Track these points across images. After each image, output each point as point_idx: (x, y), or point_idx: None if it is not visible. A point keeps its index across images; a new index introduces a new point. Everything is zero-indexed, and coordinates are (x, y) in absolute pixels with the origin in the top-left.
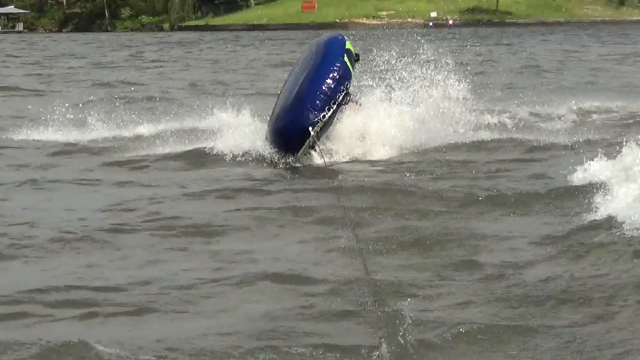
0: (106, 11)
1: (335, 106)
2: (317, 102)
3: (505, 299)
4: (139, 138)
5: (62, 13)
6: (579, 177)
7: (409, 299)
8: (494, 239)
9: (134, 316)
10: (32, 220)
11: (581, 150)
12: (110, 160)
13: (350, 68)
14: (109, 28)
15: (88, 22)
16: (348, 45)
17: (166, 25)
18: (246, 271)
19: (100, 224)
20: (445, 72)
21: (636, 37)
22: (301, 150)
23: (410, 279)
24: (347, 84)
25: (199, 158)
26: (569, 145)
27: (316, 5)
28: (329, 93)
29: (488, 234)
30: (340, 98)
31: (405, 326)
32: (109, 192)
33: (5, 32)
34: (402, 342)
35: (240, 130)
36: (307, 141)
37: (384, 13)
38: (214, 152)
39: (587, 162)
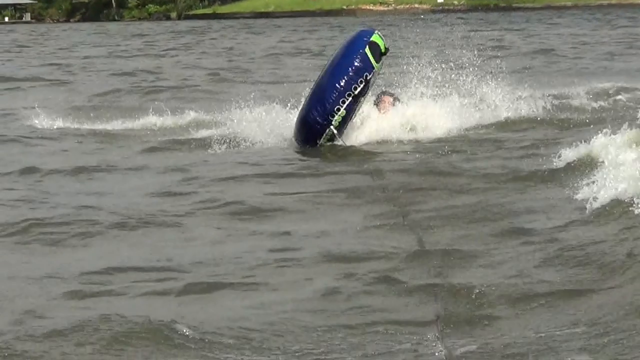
0: (113, 0)
1: (350, 98)
2: (333, 95)
3: (557, 264)
4: (171, 125)
5: (70, 3)
6: (605, 151)
7: (466, 270)
8: (536, 210)
9: (206, 295)
10: (90, 205)
11: (607, 128)
12: (149, 147)
13: (372, 60)
14: (116, 17)
15: (95, 12)
16: (375, 38)
17: (173, 14)
18: (308, 250)
19: (157, 208)
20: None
21: None
22: (320, 142)
23: (465, 251)
24: (366, 76)
25: (234, 143)
26: (595, 123)
27: None
28: (344, 85)
29: (531, 207)
30: (358, 90)
31: (465, 296)
32: (157, 178)
33: (13, 23)
34: (464, 312)
35: (270, 117)
36: (325, 134)
37: None
38: (247, 138)
39: (612, 137)
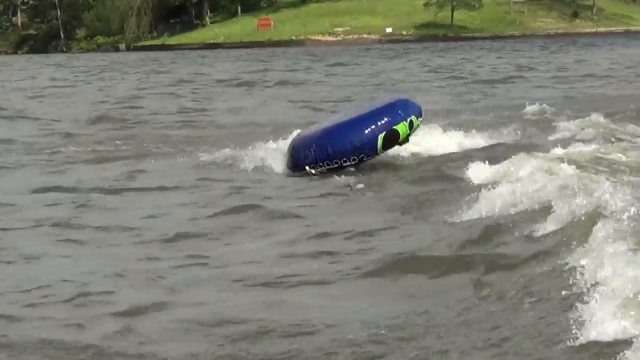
0: (61, 32)
1: (337, 165)
2: (321, 154)
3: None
4: (180, 151)
5: (18, 35)
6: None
7: (508, 244)
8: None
9: (296, 295)
10: (148, 218)
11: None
12: (182, 166)
13: (379, 146)
14: (64, 49)
15: (43, 44)
16: (400, 127)
17: (122, 45)
18: (379, 258)
19: (216, 221)
20: None
21: (595, 49)
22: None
23: (518, 229)
24: (362, 157)
25: (255, 165)
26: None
27: (272, 23)
28: (335, 154)
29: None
30: (347, 164)
31: (534, 272)
32: (202, 195)
33: None
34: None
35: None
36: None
37: (340, 29)
38: (272, 162)
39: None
